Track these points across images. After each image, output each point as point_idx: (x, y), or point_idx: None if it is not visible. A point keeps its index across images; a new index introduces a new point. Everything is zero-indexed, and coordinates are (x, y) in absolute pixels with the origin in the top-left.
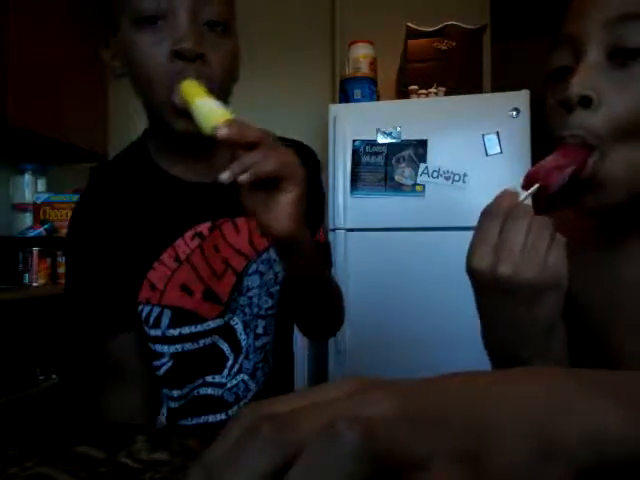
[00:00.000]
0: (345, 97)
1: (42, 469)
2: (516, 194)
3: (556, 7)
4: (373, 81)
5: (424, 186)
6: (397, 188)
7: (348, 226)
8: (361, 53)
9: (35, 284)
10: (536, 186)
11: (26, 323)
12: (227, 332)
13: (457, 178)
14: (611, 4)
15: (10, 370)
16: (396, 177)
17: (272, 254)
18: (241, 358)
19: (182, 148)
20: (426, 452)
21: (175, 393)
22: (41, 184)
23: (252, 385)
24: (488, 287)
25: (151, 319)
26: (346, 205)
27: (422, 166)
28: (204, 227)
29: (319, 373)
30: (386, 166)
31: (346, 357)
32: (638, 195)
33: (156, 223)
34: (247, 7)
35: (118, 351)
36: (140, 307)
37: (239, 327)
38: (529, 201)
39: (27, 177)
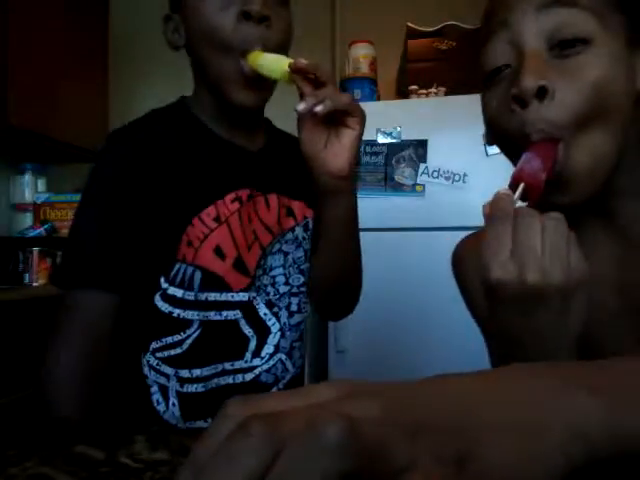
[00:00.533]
0: None
1: (42, 469)
2: (512, 195)
3: None
4: (373, 81)
5: (424, 186)
6: (397, 188)
7: None
8: (361, 53)
9: (35, 284)
10: (522, 185)
11: (26, 323)
12: (250, 311)
13: (457, 178)
14: None
15: (10, 370)
16: (396, 177)
17: (299, 232)
18: (273, 338)
19: (234, 116)
20: (411, 453)
21: (196, 373)
22: (41, 184)
23: (290, 365)
24: (515, 299)
25: (186, 280)
26: None
27: (422, 166)
28: (244, 193)
29: (319, 373)
30: (386, 166)
31: (346, 357)
32: (601, 185)
33: (198, 179)
34: None
35: (97, 308)
36: (176, 266)
37: (262, 308)
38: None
39: (27, 177)
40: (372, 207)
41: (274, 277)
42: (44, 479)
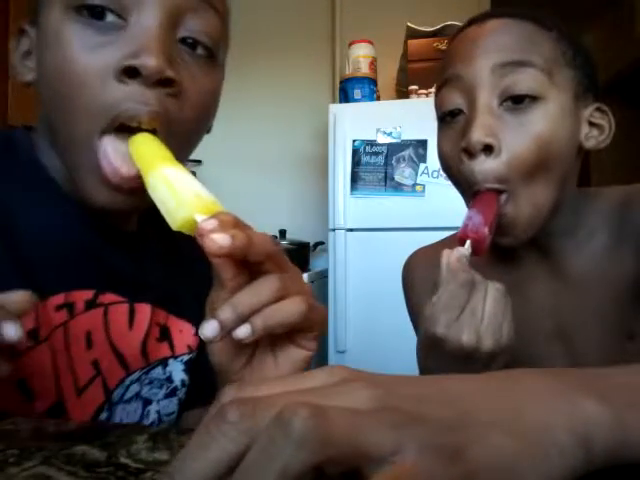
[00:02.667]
0: (345, 97)
1: (42, 469)
2: (465, 256)
3: (556, 7)
4: (373, 81)
5: (424, 186)
6: (397, 188)
7: (348, 226)
8: (361, 53)
9: None
10: (468, 242)
11: None
12: None
13: None
14: (498, 51)
15: None
16: (396, 177)
17: (174, 370)
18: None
19: None
20: (394, 445)
21: None
22: None
23: None
24: (450, 354)
25: None
26: (346, 205)
27: (422, 166)
28: (80, 296)
29: None
30: (386, 166)
31: (346, 357)
32: (539, 228)
33: (18, 262)
34: (247, 7)
35: None
36: None
37: None
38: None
39: None
40: (372, 207)
41: (128, 413)
42: (44, 479)
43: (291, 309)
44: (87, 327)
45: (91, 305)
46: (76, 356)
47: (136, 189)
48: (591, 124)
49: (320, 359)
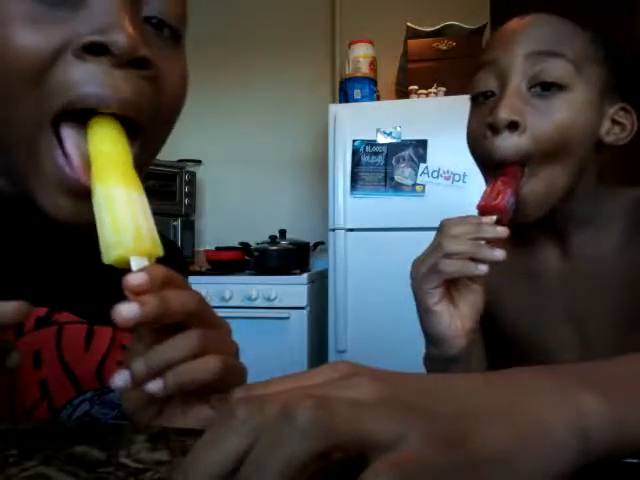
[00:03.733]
0: (345, 97)
1: (42, 469)
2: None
3: (555, 7)
4: (373, 81)
5: (424, 186)
6: (397, 188)
7: (348, 226)
8: (361, 53)
9: None
10: (494, 217)
11: None
12: None
13: (457, 178)
14: (531, 41)
15: None
16: (396, 177)
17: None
18: None
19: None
20: (397, 433)
21: None
22: None
23: None
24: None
25: None
26: (346, 205)
27: (422, 166)
28: (32, 314)
29: None
30: (386, 166)
31: (346, 357)
32: (548, 210)
33: None
34: (247, 7)
35: None
36: None
37: None
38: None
39: None
40: (372, 207)
41: None
42: (44, 479)
43: (205, 368)
44: (36, 346)
45: (43, 323)
46: (22, 376)
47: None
48: (614, 121)
49: (320, 359)
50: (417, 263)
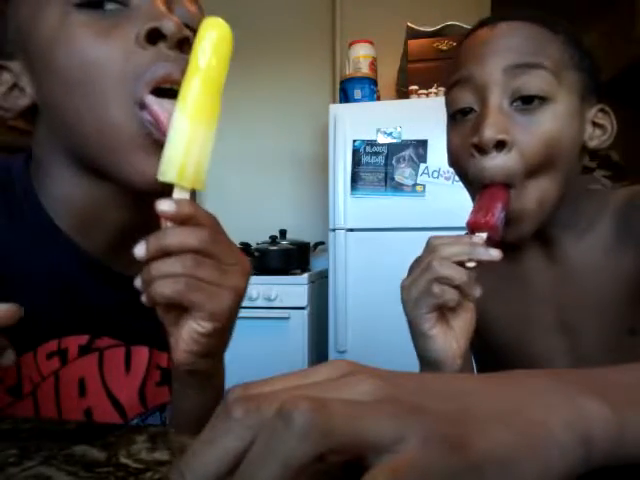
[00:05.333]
0: (345, 97)
1: (42, 469)
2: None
3: (555, 7)
4: (373, 81)
5: (424, 186)
6: (397, 188)
7: (348, 226)
8: (361, 53)
9: None
10: (485, 234)
11: None
12: None
13: (457, 178)
14: (509, 53)
15: None
16: (396, 177)
17: (169, 413)
18: None
19: (115, 209)
20: (396, 435)
21: None
22: None
23: None
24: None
25: None
26: (346, 205)
27: (422, 166)
28: (74, 342)
29: None
30: (386, 166)
31: (346, 357)
32: (543, 222)
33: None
34: (247, 7)
35: None
36: None
37: None
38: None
39: None
40: (372, 207)
41: None
42: (44, 479)
43: (179, 284)
44: (80, 373)
45: (86, 350)
46: (66, 406)
47: None
48: (594, 124)
49: (320, 359)
50: (407, 286)
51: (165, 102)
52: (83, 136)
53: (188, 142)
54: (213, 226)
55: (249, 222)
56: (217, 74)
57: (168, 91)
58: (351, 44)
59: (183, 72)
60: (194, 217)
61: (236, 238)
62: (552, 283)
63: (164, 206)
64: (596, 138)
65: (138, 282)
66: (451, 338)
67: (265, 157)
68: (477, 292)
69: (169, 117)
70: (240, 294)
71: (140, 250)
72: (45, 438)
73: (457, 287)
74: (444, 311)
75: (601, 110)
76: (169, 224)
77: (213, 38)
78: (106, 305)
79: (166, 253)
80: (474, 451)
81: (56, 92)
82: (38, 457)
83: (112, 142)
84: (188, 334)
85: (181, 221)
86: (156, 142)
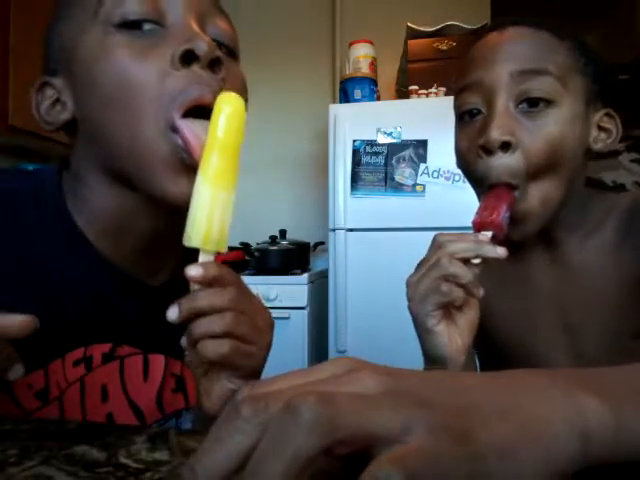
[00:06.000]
0: (345, 97)
1: (42, 469)
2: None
3: (555, 7)
4: (373, 81)
5: (424, 186)
6: (397, 188)
7: (348, 226)
8: (361, 53)
9: None
10: (490, 233)
11: None
12: None
13: (457, 178)
14: (516, 59)
15: None
16: (396, 177)
17: (184, 419)
18: None
19: (145, 223)
20: (401, 426)
21: None
22: None
23: None
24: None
25: None
26: (346, 205)
27: (422, 166)
28: (98, 350)
29: None
30: (386, 166)
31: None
32: (547, 222)
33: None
34: (247, 7)
35: None
36: None
37: None
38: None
39: None
40: (372, 207)
41: None
42: (44, 479)
43: (224, 347)
44: (103, 380)
45: (108, 358)
46: (90, 411)
47: None
48: (600, 128)
49: (320, 359)
50: (413, 283)
51: (196, 125)
52: (117, 152)
53: (210, 209)
54: (238, 284)
55: (249, 222)
56: (233, 143)
57: (202, 111)
58: (351, 44)
59: (214, 93)
60: (220, 278)
61: (236, 238)
62: (556, 284)
63: (192, 272)
64: (601, 141)
65: (184, 342)
66: (456, 334)
67: (265, 157)
68: (480, 292)
69: (198, 141)
70: (269, 350)
71: (173, 313)
72: (45, 438)
73: (463, 286)
74: (449, 308)
75: (606, 114)
76: (197, 286)
77: (228, 112)
78: (127, 314)
79: (199, 315)
80: (477, 442)
81: (94, 108)
82: (38, 457)
83: (144, 160)
84: (221, 389)
85: (209, 283)
86: (187, 165)
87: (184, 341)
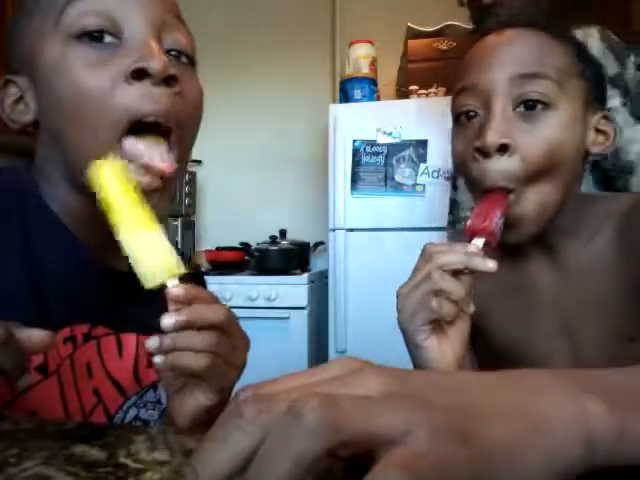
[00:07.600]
0: (345, 97)
1: (42, 469)
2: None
3: (555, 7)
4: (373, 81)
5: (424, 186)
6: (397, 188)
7: (348, 226)
8: (361, 53)
9: None
10: (483, 239)
11: None
12: None
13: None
14: (514, 62)
15: None
16: (396, 177)
17: (161, 390)
18: None
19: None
20: (404, 428)
21: None
22: None
23: None
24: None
25: None
26: (346, 205)
27: (422, 166)
28: (79, 330)
29: None
30: (386, 166)
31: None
32: (544, 227)
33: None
34: (247, 7)
35: None
36: None
37: None
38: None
39: None
40: (372, 207)
41: None
42: (44, 479)
43: (193, 361)
44: (86, 358)
45: (87, 338)
46: (81, 385)
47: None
48: (597, 131)
49: (320, 359)
50: (404, 294)
51: (139, 143)
52: (74, 159)
53: (146, 250)
54: (217, 302)
55: (249, 222)
56: (124, 192)
57: (152, 125)
58: (351, 44)
59: (166, 107)
60: (199, 297)
61: (236, 238)
62: (554, 288)
63: (175, 291)
64: (598, 144)
65: (159, 360)
66: (446, 347)
67: (265, 157)
68: (471, 308)
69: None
70: (242, 370)
71: (169, 322)
72: (45, 438)
73: (454, 301)
74: (440, 321)
75: (604, 117)
76: (174, 307)
77: (106, 173)
78: (100, 297)
79: (189, 326)
80: (480, 442)
81: (53, 115)
82: (38, 457)
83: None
84: (194, 404)
85: (189, 302)
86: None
87: (159, 359)
